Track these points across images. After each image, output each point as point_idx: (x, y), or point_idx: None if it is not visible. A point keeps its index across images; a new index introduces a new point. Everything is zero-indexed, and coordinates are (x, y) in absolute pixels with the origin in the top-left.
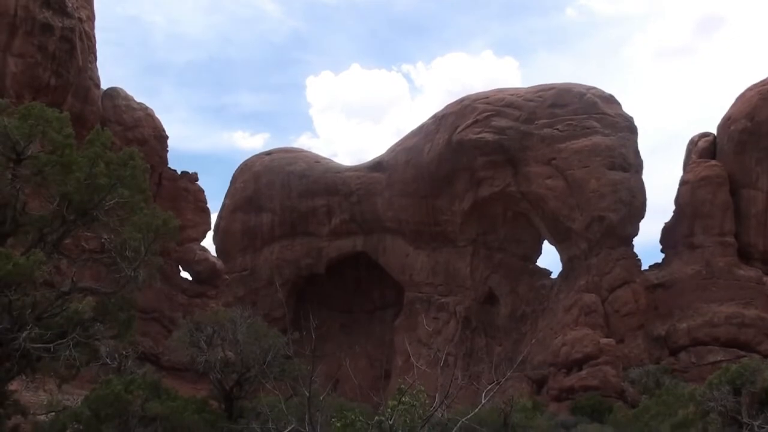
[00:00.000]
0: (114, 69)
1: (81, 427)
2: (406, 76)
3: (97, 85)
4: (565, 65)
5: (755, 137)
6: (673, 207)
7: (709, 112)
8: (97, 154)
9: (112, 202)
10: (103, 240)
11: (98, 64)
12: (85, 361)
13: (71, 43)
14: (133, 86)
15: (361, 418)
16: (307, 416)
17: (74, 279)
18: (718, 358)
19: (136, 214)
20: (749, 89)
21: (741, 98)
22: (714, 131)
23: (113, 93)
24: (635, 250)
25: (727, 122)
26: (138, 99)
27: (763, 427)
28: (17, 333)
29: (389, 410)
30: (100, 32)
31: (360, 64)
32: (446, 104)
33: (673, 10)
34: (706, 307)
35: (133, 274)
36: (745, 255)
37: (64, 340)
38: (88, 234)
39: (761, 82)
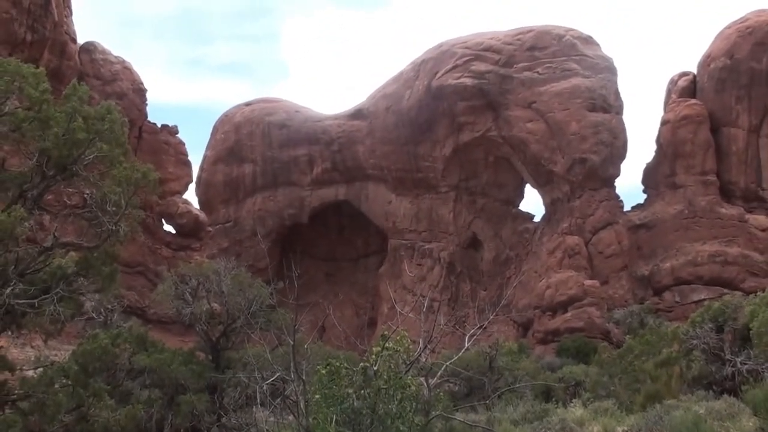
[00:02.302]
0: (89, 23)
1: (69, 382)
2: (384, 18)
3: (74, 40)
4: (544, 5)
5: (735, 75)
6: (654, 147)
7: (689, 51)
8: (75, 108)
9: (91, 156)
10: (84, 195)
11: (73, 18)
12: (70, 316)
13: None
14: (109, 40)
15: (346, 365)
16: (292, 365)
17: (56, 234)
18: (702, 297)
19: (116, 168)
20: (728, 27)
21: (720, 36)
22: (694, 70)
23: (90, 47)
24: (617, 191)
25: (706, 61)
26: (115, 53)
27: (746, 363)
28: (1, 289)
29: (373, 356)
30: None
31: (334, 7)
32: (425, 49)
33: None
34: (689, 247)
35: (114, 227)
36: (726, 193)
37: (48, 295)
38: (70, 189)
39: (740, 19)
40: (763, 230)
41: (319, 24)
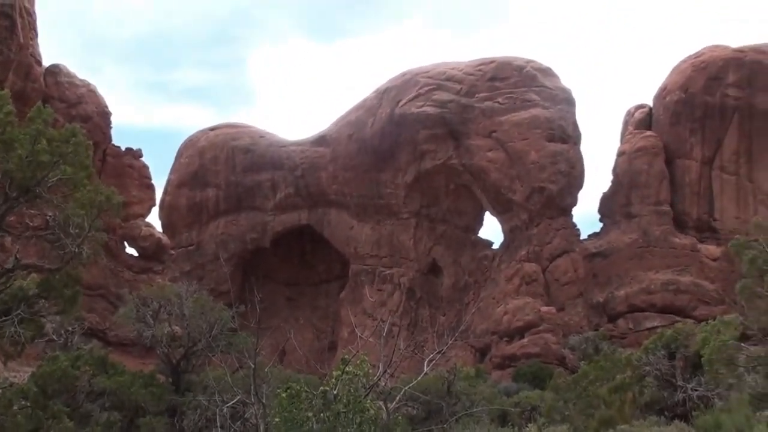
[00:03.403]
0: (55, 46)
1: (28, 404)
2: (346, 49)
3: (39, 62)
4: (503, 38)
5: (689, 108)
6: (610, 177)
7: (645, 83)
8: (39, 131)
9: (54, 179)
10: (46, 217)
11: (39, 41)
12: (30, 338)
13: (11, 19)
14: (74, 63)
15: (306, 388)
16: (252, 388)
17: (18, 256)
18: (655, 324)
19: (79, 190)
20: (683, 61)
21: (675, 70)
22: (650, 103)
23: (55, 70)
24: (574, 219)
25: (662, 94)
26: (80, 76)
27: (696, 390)
28: None
29: (333, 380)
30: (40, 8)
31: (300, 38)
32: (388, 78)
33: None
34: (643, 275)
35: (77, 250)
36: (679, 223)
37: (9, 317)
38: (32, 211)
39: (695, 54)
40: (714, 260)
41: (285, 53)
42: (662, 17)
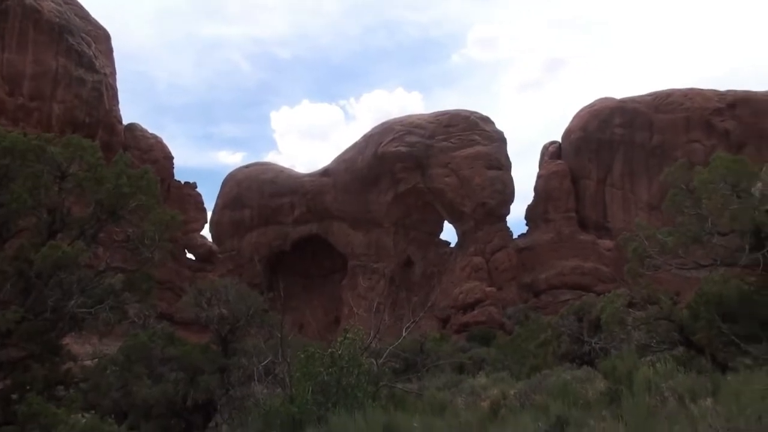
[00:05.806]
0: (132, 110)
1: (117, 368)
2: (343, 108)
3: (120, 122)
4: (455, 96)
5: (587, 143)
6: (532, 193)
7: (556, 125)
8: (121, 171)
9: (133, 205)
10: (128, 232)
11: (120, 106)
12: (117, 320)
13: (99, 91)
14: (145, 121)
15: (318, 351)
16: (279, 351)
17: (108, 261)
18: (567, 297)
19: (151, 213)
20: (582, 109)
21: (577, 116)
22: (559, 139)
23: (132, 127)
24: (508, 224)
25: (568, 133)
26: (150, 131)
27: (598, 343)
28: (67, 302)
29: (338, 344)
30: (120, 83)
31: (308, 100)
32: (372, 127)
33: (528, 55)
34: (558, 263)
35: (150, 255)
36: (583, 225)
37: (102, 305)
38: (117, 229)
39: (590, 104)
40: (608, 250)
41: (298, 111)
42: (567, 77)
